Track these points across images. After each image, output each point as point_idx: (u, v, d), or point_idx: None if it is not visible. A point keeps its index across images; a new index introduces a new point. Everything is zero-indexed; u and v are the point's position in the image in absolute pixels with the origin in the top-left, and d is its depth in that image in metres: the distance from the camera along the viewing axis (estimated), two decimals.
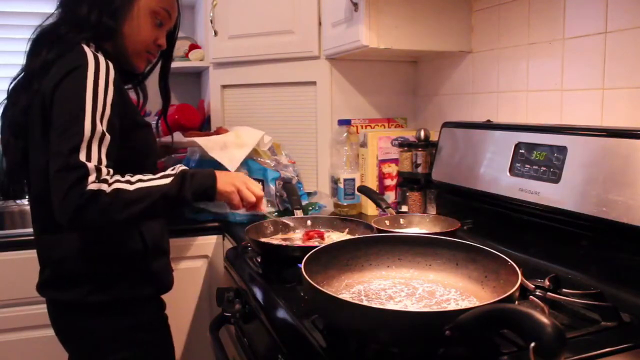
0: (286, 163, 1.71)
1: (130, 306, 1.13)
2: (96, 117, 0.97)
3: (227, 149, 1.58)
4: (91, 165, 0.94)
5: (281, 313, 0.93)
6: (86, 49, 1.03)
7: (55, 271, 1.11)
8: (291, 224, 1.36)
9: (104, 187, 0.94)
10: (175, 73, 2.31)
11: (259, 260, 1.23)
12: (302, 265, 0.81)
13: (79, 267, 1.08)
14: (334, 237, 1.28)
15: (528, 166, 1.18)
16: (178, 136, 1.63)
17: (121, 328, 1.12)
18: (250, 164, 1.65)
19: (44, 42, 1.09)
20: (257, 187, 1.14)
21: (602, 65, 1.14)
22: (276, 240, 1.29)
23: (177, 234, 1.61)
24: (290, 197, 1.51)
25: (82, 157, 0.94)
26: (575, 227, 1.06)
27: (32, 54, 1.10)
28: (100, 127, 0.97)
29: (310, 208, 1.65)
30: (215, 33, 1.94)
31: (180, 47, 2.18)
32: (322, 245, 0.92)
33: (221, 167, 1.52)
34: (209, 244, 1.65)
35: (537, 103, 1.33)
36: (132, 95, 1.35)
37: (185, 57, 2.14)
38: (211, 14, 1.92)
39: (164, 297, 1.26)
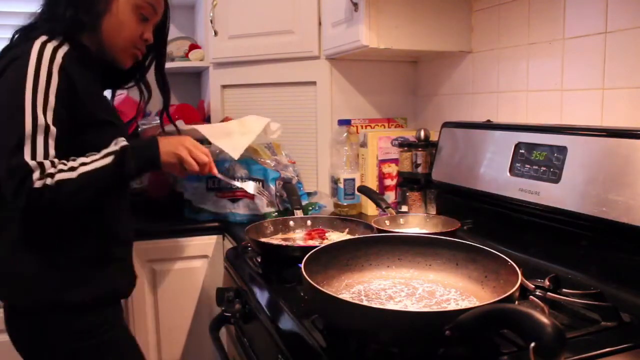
0: (286, 163, 1.71)
1: (62, 312, 1.05)
2: (37, 109, 0.95)
3: (231, 136, 1.54)
4: (33, 162, 0.93)
5: (281, 313, 0.93)
6: (38, 40, 1.00)
7: None
8: (291, 223, 1.36)
9: (48, 181, 0.93)
10: (175, 73, 2.32)
11: (259, 260, 1.23)
12: (302, 265, 0.81)
13: (6, 266, 1.05)
14: (334, 237, 1.28)
15: (528, 166, 1.18)
16: (180, 124, 1.61)
17: (59, 334, 1.06)
18: (250, 164, 1.65)
19: (17, 37, 1.08)
20: (202, 153, 1.12)
21: (602, 65, 1.14)
22: (276, 240, 1.29)
23: (177, 234, 1.61)
24: (290, 197, 1.51)
25: (27, 154, 0.93)
26: (575, 227, 1.06)
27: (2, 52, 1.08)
28: (43, 119, 0.95)
29: (310, 208, 1.65)
30: (215, 33, 1.94)
31: (180, 47, 2.19)
32: (322, 245, 0.92)
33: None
34: (209, 244, 1.65)
35: (537, 103, 1.33)
36: (135, 93, 1.34)
37: (185, 57, 2.14)
38: (211, 14, 1.92)
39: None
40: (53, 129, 0.97)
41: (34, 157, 0.94)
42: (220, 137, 1.53)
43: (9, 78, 0.98)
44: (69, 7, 1.06)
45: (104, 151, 1.02)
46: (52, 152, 0.97)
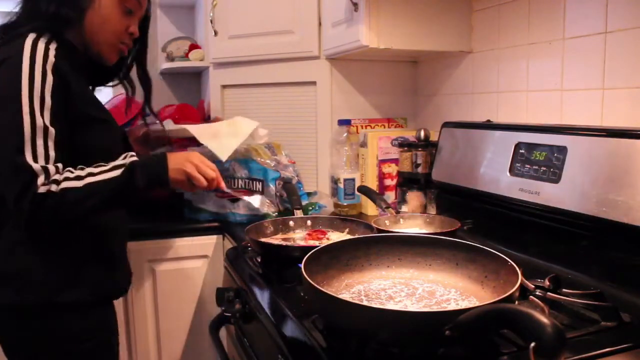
0: (286, 163, 1.71)
1: (59, 312, 1.05)
2: (34, 110, 0.94)
3: (220, 137, 1.53)
4: (37, 166, 0.93)
5: (281, 313, 0.93)
6: (28, 38, 0.99)
7: None
8: (291, 223, 1.36)
9: (53, 187, 0.93)
10: (175, 73, 2.32)
11: (259, 260, 1.23)
12: (302, 265, 0.81)
13: (6, 265, 1.04)
14: (334, 237, 1.28)
15: (528, 166, 1.18)
16: (168, 124, 1.60)
17: (51, 335, 1.04)
18: (250, 164, 1.65)
19: (1, 37, 1.06)
20: (209, 168, 1.11)
21: (602, 65, 1.14)
22: (276, 240, 1.29)
23: (177, 234, 1.61)
24: (290, 197, 1.51)
25: (28, 157, 0.92)
26: (575, 227, 1.06)
27: None
28: (41, 121, 0.95)
29: (310, 208, 1.65)
30: (215, 33, 1.94)
31: (180, 47, 2.18)
32: (322, 245, 0.92)
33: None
34: (209, 244, 1.65)
35: (537, 103, 1.33)
36: (121, 90, 1.33)
37: (185, 57, 2.14)
38: (211, 14, 1.92)
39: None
40: (52, 130, 0.96)
41: (35, 159, 0.93)
42: (208, 138, 1.52)
43: (3, 79, 0.97)
44: (51, 2, 1.05)
45: (112, 164, 1.01)
46: (52, 154, 0.96)
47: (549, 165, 1.12)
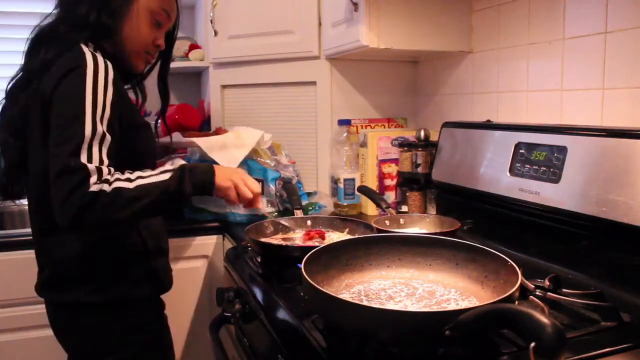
0: (286, 163, 1.71)
1: (128, 306, 1.13)
2: (96, 118, 0.97)
3: (227, 149, 1.58)
4: (92, 166, 0.94)
5: (281, 313, 0.93)
6: (85, 48, 1.02)
7: (53, 272, 1.10)
8: (290, 224, 1.36)
9: (105, 187, 0.94)
10: (175, 73, 2.32)
11: (259, 260, 1.23)
12: (302, 265, 0.81)
13: (77, 267, 1.08)
14: (334, 237, 1.28)
15: (528, 166, 1.18)
16: (177, 137, 1.63)
17: (120, 328, 1.12)
18: (250, 164, 1.65)
19: (43, 41, 1.09)
20: (255, 184, 1.14)
21: (602, 65, 1.14)
22: (276, 240, 1.29)
23: (177, 234, 1.61)
24: (290, 197, 1.51)
25: (83, 158, 0.94)
26: (575, 227, 1.06)
27: (30, 54, 1.10)
28: (101, 128, 0.97)
29: (310, 208, 1.65)
30: (215, 33, 1.94)
31: (180, 47, 2.18)
32: (322, 245, 0.92)
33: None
34: (209, 244, 1.65)
35: (537, 103, 1.33)
36: (131, 95, 1.35)
37: (185, 57, 2.14)
38: (211, 14, 1.92)
39: (164, 296, 1.26)
40: (108, 137, 0.99)
41: (90, 161, 0.94)
42: (216, 150, 1.56)
43: (70, 87, 0.99)
44: (92, 10, 1.08)
45: (161, 168, 1.04)
46: (105, 159, 0.97)
47: (549, 165, 1.12)
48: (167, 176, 1.02)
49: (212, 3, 1.91)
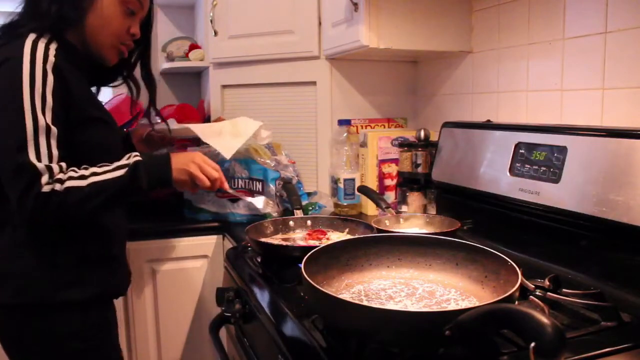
0: (286, 163, 1.71)
1: (57, 311, 1.05)
2: (36, 110, 0.94)
3: (223, 136, 1.56)
4: (41, 165, 0.93)
5: (281, 313, 0.93)
6: (28, 38, 0.99)
7: None
8: (291, 223, 1.36)
9: (57, 186, 0.93)
10: (175, 73, 2.32)
11: (259, 260, 1.23)
12: (302, 265, 0.81)
13: (6, 266, 1.04)
14: (334, 237, 1.28)
15: (528, 166, 1.18)
16: (171, 123, 1.61)
17: (47, 334, 1.05)
18: (250, 164, 1.65)
19: (1, 35, 1.06)
20: (213, 168, 1.12)
21: (602, 65, 1.14)
22: (276, 240, 1.29)
23: (177, 234, 1.61)
24: (290, 197, 1.51)
25: (32, 156, 0.93)
26: (575, 227, 1.06)
27: None
28: (43, 120, 0.95)
29: (310, 208, 1.65)
30: (215, 33, 1.94)
31: (180, 47, 2.19)
32: (322, 245, 0.92)
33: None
34: (209, 244, 1.65)
35: (537, 103, 1.33)
36: (123, 89, 1.33)
37: (185, 57, 2.14)
38: (211, 14, 1.92)
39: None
40: (54, 129, 0.97)
41: (38, 158, 0.94)
42: (212, 137, 1.54)
43: (4, 79, 0.97)
44: (53, 2, 1.05)
45: (116, 163, 1.02)
46: (55, 152, 0.96)
47: (549, 165, 1.12)
48: (121, 172, 1.00)
49: (212, 3, 1.91)
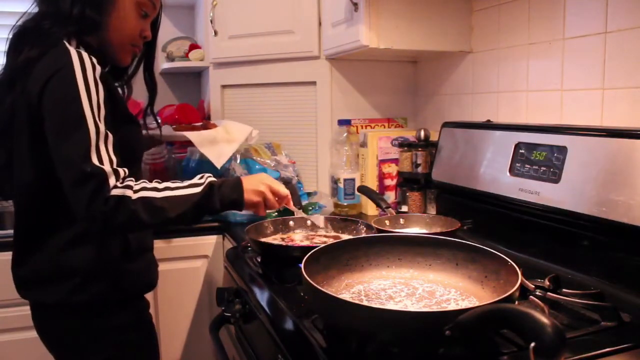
0: (286, 163, 1.71)
1: (111, 306, 1.09)
2: (96, 117, 0.95)
3: (217, 144, 1.58)
4: (107, 168, 0.93)
5: (281, 313, 0.93)
6: (68, 46, 0.99)
7: (35, 272, 1.07)
8: (291, 223, 1.36)
9: (129, 193, 0.93)
10: (175, 73, 2.32)
11: (259, 260, 1.23)
12: (302, 265, 0.81)
13: (59, 267, 1.05)
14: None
15: (528, 166, 1.18)
16: (167, 129, 1.62)
17: (103, 328, 1.09)
18: (250, 164, 1.65)
19: (26, 38, 1.05)
20: (281, 189, 1.14)
21: (602, 65, 1.14)
22: (276, 240, 1.29)
23: (177, 234, 1.61)
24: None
25: (95, 161, 0.93)
26: (575, 227, 1.06)
27: (13, 51, 1.06)
28: (103, 127, 0.96)
29: (310, 208, 1.65)
30: (215, 33, 1.94)
31: (180, 47, 2.19)
32: (322, 245, 0.92)
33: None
34: (209, 244, 1.65)
35: (537, 103, 1.33)
36: (137, 96, 1.34)
37: (185, 57, 2.14)
38: (211, 14, 1.92)
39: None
40: (110, 135, 0.98)
41: (101, 163, 0.93)
42: (205, 145, 1.56)
43: (61, 89, 0.96)
44: (75, 4, 1.04)
45: (189, 182, 1.03)
46: (114, 158, 0.96)
47: (549, 165, 1.12)
48: (195, 191, 1.01)
49: (212, 3, 1.91)
